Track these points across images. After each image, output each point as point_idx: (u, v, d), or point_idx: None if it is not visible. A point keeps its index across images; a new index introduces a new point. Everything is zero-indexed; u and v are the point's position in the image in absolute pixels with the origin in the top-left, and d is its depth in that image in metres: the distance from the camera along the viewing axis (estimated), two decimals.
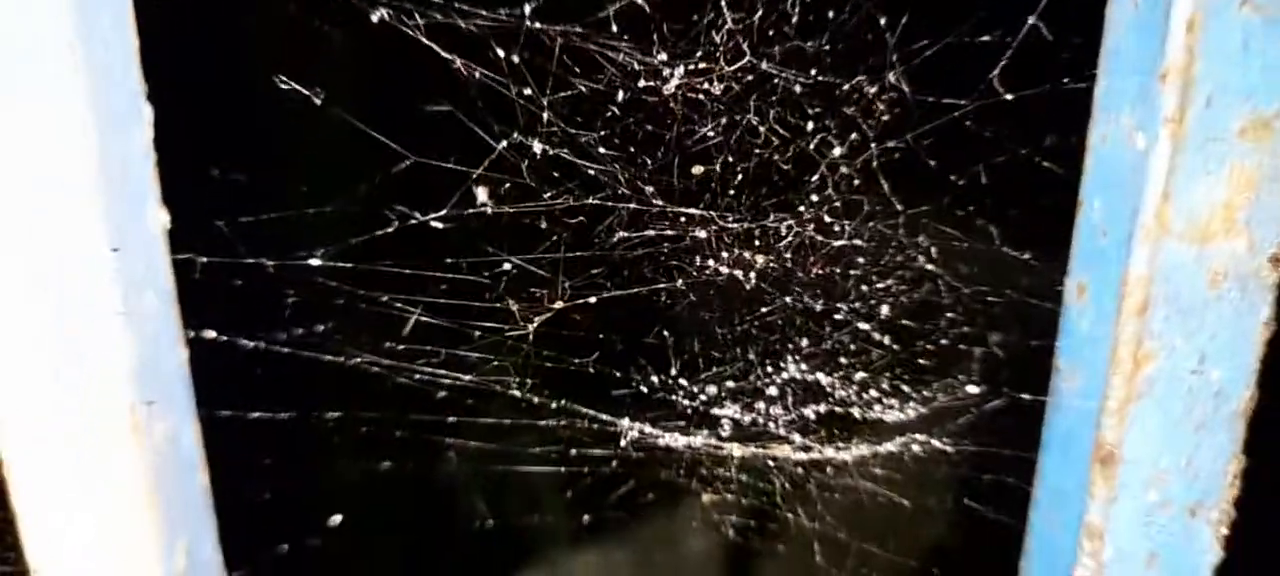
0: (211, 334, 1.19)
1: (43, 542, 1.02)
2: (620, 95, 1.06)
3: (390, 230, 1.14)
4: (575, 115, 1.08)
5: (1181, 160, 0.89)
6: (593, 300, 1.19)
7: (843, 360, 1.25)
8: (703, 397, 1.29)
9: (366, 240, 1.15)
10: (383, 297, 1.20)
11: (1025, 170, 1.09)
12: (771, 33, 1.03)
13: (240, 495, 1.19)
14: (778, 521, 1.43)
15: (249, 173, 1.15)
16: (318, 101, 1.06)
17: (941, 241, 1.16)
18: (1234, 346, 0.97)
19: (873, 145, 1.09)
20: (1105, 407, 1.00)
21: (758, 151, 1.10)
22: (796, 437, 1.31)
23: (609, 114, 1.07)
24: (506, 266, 1.18)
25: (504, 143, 1.08)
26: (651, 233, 1.14)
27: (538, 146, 1.09)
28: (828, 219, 1.14)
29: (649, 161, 1.10)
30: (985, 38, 1.02)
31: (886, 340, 1.23)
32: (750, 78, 1.06)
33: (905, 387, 1.27)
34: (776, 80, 1.06)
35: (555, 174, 1.11)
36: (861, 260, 1.17)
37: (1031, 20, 0.99)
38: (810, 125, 1.09)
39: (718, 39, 1.03)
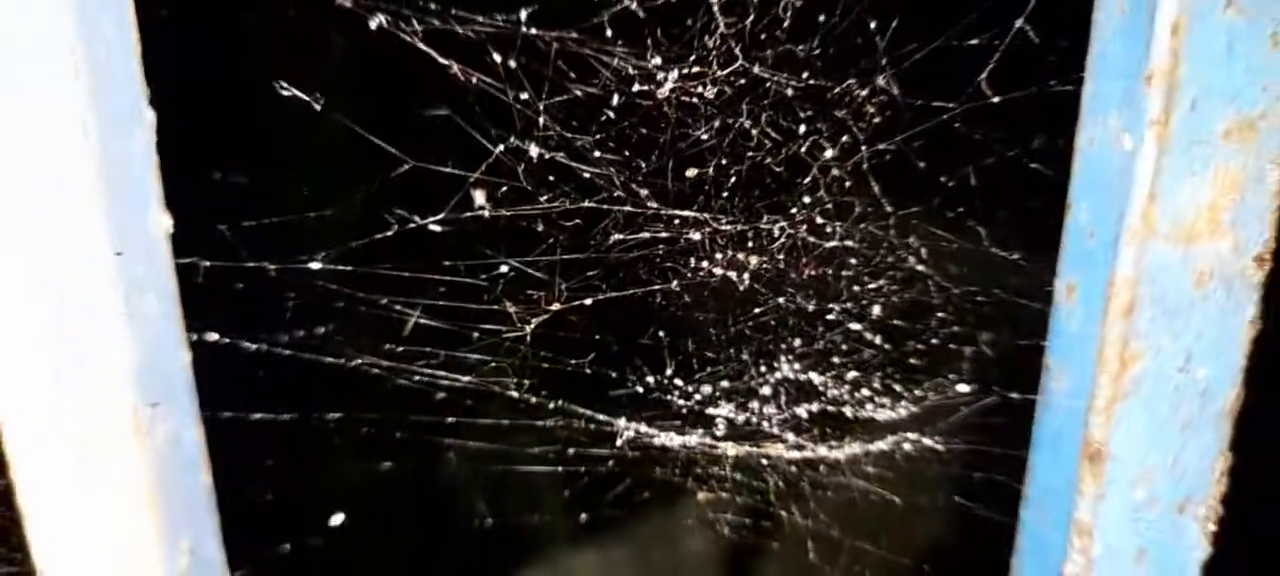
0: (214, 336, 1.19)
1: (48, 542, 1.02)
2: (615, 99, 1.07)
3: (389, 233, 1.14)
4: (571, 119, 1.08)
5: (1167, 162, 0.90)
6: (589, 302, 1.20)
7: (835, 360, 1.25)
8: (698, 397, 1.29)
9: (366, 243, 1.15)
10: (382, 300, 1.20)
11: (1013, 172, 1.10)
12: (763, 37, 1.04)
13: (242, 495, 1.19)
14: (772, 519, 1.43)
15: (250, 177, 1.15)
16: (318, 106, 1.06)
17: (931, 242, 1.16)
18: (1220, 345, 0.99)
19: (863, 148, 1.10)
20: (1093, 406, 1.01)
21: (750, 154, 1.10)
22: (790, 436, 1.31)
23: (604, 118, 1.08)
24: (504, 269, 1.18)
25: (501, 147, 1.09)
26: (646, 235, 1.15)
27: (534, 150, 1.09)
28: (820, 220, 1.15)
29: (644, 165, 1.11)
30: (973, 41, 1.02)
31: (878, 340, 1.23)
32: (743, 81, 1.06)
33: (897, 387, 1.27)
34: (768, 84, 1.06)
35: (551, 177, 1.11)
36: (853, 261, 1.18)
37: (1018, 24, 1.00)
38: (802, 128, 1.09)
39: (710, 44, 1.04)
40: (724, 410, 1.30)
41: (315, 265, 1.17)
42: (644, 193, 1.12)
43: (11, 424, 0.97)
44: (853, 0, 1.02)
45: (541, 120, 1.08)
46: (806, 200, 1.14)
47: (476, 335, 1.23)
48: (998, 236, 1.16)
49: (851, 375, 1.27)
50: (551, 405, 1.31)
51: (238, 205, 1.14)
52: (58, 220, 0.90)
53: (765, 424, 1.31)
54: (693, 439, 1.33)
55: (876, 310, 1.22)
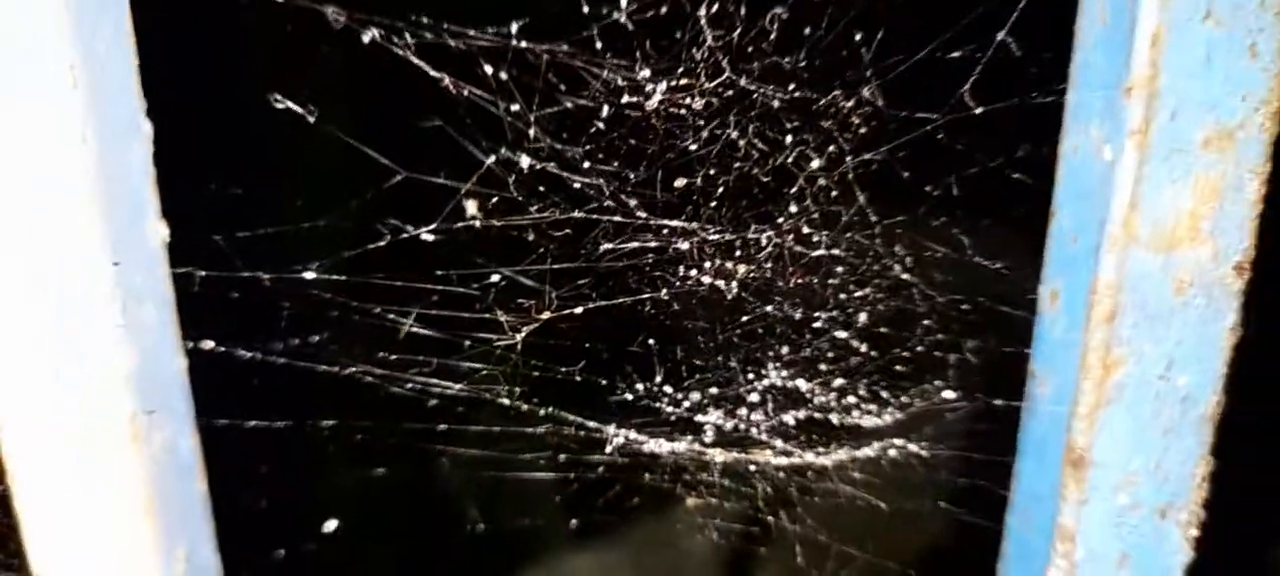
0: (210, 345, 1.20)
1: (46, 548, 1.02)
2: (605, 111, 1.07)
3: (382, 243, 1.15)
4: (561, 131, 1.08)
5: (1147, 171, 0.90)
6: (579, 310, 1.20)
7: (822, 367, 1.26)
8: (687, 404, 1.30)
9: (359, 253, 1.16)
10: (375, 309, 1.21)
11: (996, 182, 1.10)
12: (750, 50, 1.04)
13: (238, 501, 1.19)
14: (760, 524, 1.43)
15: (245, 188, 1.16)
16: (311, 119, 1.07)
17: (916, 251, 1.17)
18: (1200, 352, 0.99)
19: (849, 158, 1.10)
20: (1076, 412, 1.02)
21: (738, 165, 1.11)
22: (778, 443, 1.31)
23: (594, 129, 1.08)
24: (495, 278, 1.18)
25: (492, 158, 1.09)
26: (636, 244, 1.15)
27: (525, 161, 1.10)
28: (806, 230, 1.15)
29: (633, 175, 1.11)
30: (956, 53, 1.03)
31: (864, 347, 1.24)
32: (730, 93, 1.06)
33: (883, 393, 1.27)
34: (756, 95, 1.07)
35: (542, 188, 1.11)
36: (839, 270, 1.18)
37: (1000, 36, 1.01)
38: (789, 139, 1.10)
39: (698, 56, 1.04)
40: (712, 417, 1.31)
41: (309, 275, 1.18)
42: (633, 202, 1.13)
43: (10, 430, 0.98)
44: (838, 14, 1.02)
45: (532, 131, 1.08)
46: (793, 210, 1.14)
47: (468, 343, 1.23)
48: (981, 245, 1.16)
49: (838, 382, 1.27)
50: (542, 412, 1.32)
51: (233, 215, 1.15)
52: (56, 229, 0.91)
53: (753, 430, 1.31)
54: (682, 445, 1.33)
55: (863, 318, 1.22)
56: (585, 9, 1.02)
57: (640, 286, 1.19)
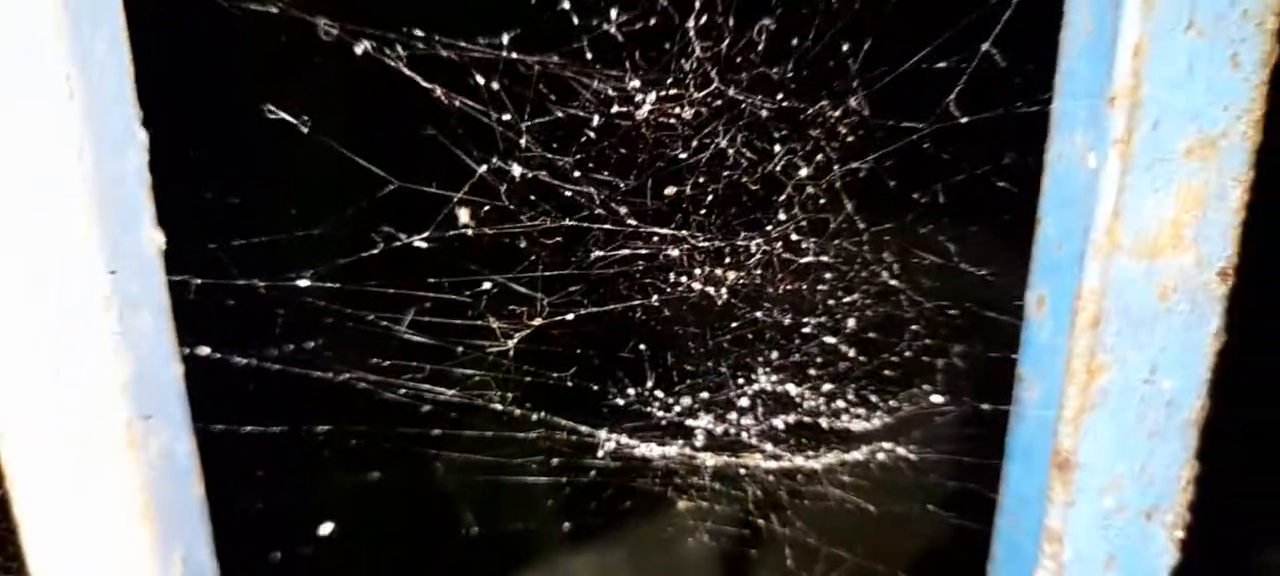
0: (205, 351, 1.20)
1: (44, 552, 1.02)
2: (595, 120, 1.08)
3: (376, 251, 1.15)
4: (552, 140, 1.09)
5: (1130, 179, 0.91)
6: (571, 317, 1.20)
7: (811, 372, 1.26)
8: (677, 409, 1.30)
9: (353, 261, 1.16)
10: (369, 316, 1.21)
11: (982, 189, 1.11)
12: (738, 60, 1.05)
13: (234, 505, 1.19)
14: (751, 527, 1.43)
15: (240, 197, 1.16)
16: (305, 129, 1.07)
17: (904, 258, 1.17)
18: (1185, 357, 0.99)
19: (837, 166, 1.11)
20: (1062, 416, 1.02)
21: (727, 173, 1.11)
22: (768, 447, 1.32)
23: (584, 138, 1.09)
24: (487, 285, 1.19)
25: (484, 167, 1.09)
26: (626, 252, 1.16)
27: (517, 170, 1.10)
28: (795, 237, 1.16)
29: (623, 183, 1.11)
30: (941, 64, 1.03)
31: (853, 352, 1.24)
32: (719, 103, 1.07)
33: (871, 398, 1.28)
34: (744, 105, 1.07)
35: (533, 196, 1.12)
36: (828, 276, 1.19)
37: (985, 47, 1.01)
38: (777, 148, 1.10)
39: (687, 67, 1.05)
40: (703, 421, 1.31)
41: (304, 282, 1.19)
42: (623, 210, 1.13)
43: (8, 435, 0.98)
44: (825, 25, 1.03)
45: (523, 141, 1.08)
46: (782, 217, 1.15)
47: (461, 349, 1.24)
48: (968, 252, 1.16)
49: (827, 387, 1.28)
50: (535, 417, 1.32)
51: (228, 224, 1.15)
52: (53, 238, 0.91)
53: (743, 434, 1.32)
54: (673, 449, 1.34)
55: (851, 323, 1.23)
56: (576, 20, 1.02)
57: (631, 293, 1.19)
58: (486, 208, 1.13)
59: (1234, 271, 0.96)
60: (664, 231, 1.15)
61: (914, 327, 1.23)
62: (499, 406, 1.31)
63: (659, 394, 1.30)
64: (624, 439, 1.34)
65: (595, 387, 1.30)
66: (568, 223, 1.14)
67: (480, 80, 1.05)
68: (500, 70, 1.04)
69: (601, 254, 1.16)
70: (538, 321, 1.21)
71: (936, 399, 1.28)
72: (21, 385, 0.96)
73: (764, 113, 1.08)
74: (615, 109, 1.08)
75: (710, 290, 1.20)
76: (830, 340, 1.24)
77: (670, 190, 1.13)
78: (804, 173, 1.12)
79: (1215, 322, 0.98)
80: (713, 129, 1.09)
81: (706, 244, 1.17)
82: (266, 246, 1.17)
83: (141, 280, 0.99)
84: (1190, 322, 0.98)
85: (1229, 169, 0.92)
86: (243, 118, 1.11)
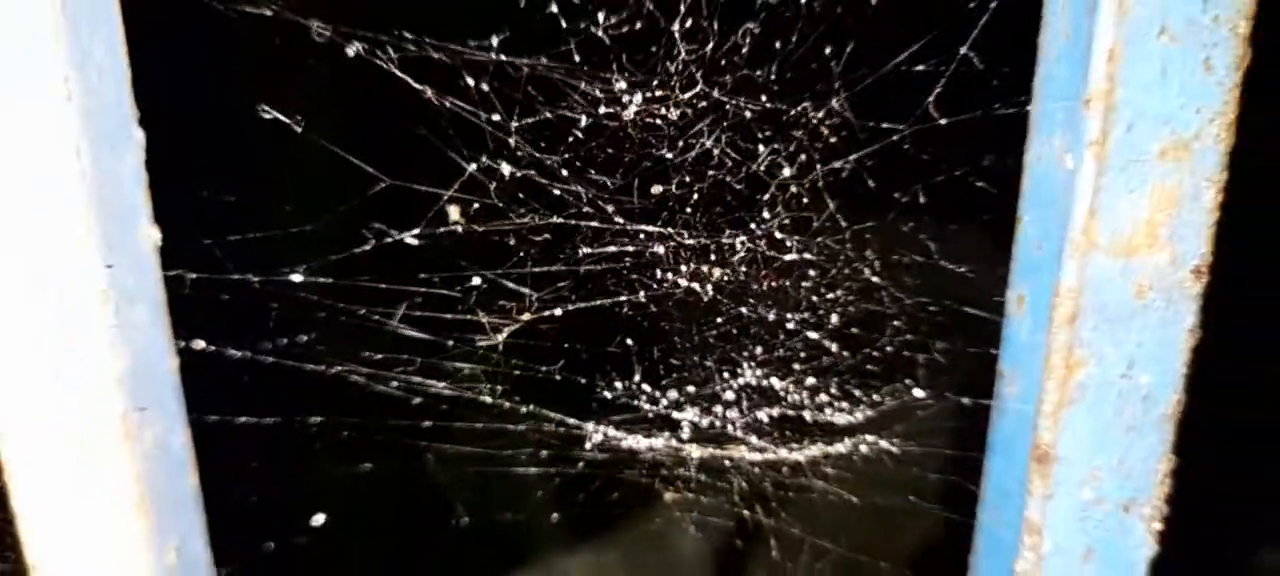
0: (201, 344, 1.21)
1: (41, 542, 1.03)
2: (583, 121, 1.09)
3: (367, 247, 1.16)
4: (540, 140, 1.10)
5: (1105, 180, 0.92)
6: (559, 312, 1.22)
7: (795, 366, 1.27)
8: (664, 402, 1.31)
9: (345, 256, 1.17)
10: (361, 310, 1.22)
11: (961, 189, 1.12)
12: (723, 63, 1.06)
13: (228, 496, 1.19)
14: (736, 518, 1.44)
15: (235, 194, 1.17)
16: (298, 128, 1.08)
17: (885, 255, 1.18)
18: (1161, 353, 1.00)
19: (819, 166, 1.12)
20: (1041, 410, 1.02)
21: (712, 173, 1.13)
22: (753, 439, 1.33)
23: (572, 138, 1.10)
24: (477, 281, 1.20)
25: (474, 165, 1.11)
26: (613, 249, 1.17)
27: (506, 169, 1.11)
28: (779, 235, 1.17)
29: (610, 182, 1.13)
30: (920, 67, 1.04)
31: (836, 347, 1.26)
32: (704, 104, 1.08)
33: (855, 392, 1.29)
34: (728, 107, 1.09)
35: (522, 194, 1.13)
36: (811, 273, 1.20)
37: (963, 51, 1.02)
38: (761, 148, 1.12)
39: (673, 69, 1.06)
40: (689, 414, 1.32)
41: (297, 277, 1.19)
42: (611, 209, 1.14)
43: (6, 428, 0.98)
44: (808, 29, 1.04)
45: (512, 140, 1.09)
46: (766, 216, 1.16)
47: (451, 344, 1.25)
48: (948, 250, 1.18)
49: (811, 381, 1.29)
50: (524, 410, 1.33)
51: (223, 220, 1.16)
52: (52, 235, 0.91)
53: (729, 427, 1.33)
54: (659, 442, 1.35)
55: (834, 319, 1.24)
56: (564, 24, 1.03)
57: (618, 289, 1.20)
58: (476, 205, 1.14)
59: (1208, 270, 0.97)
60: (650, 229, 1.16)
61: (896, 323, 1.24)
62: (489, 399, 1.31)
63: (646, 387, 1.31)
64: (612, 431, 1.35)
65: (583, 381, 1.31)
66: (556, 220, 1.15)
67: (470, 81, 1.06)
68: (490, 72, 1.05)
69: (589, 251, 1.17)
70: (527, 316, 1.22)
71: (918, 393, 1.29)
72: (19, 377, 0.97)
73: (748, 114, 1.10)
74: (603, 110, 1.09)
75: (696, 286, 1.21)
76: (814, 335, 1.25)
77: (657, 189, 1.14)
78: (787, 172, 1.14)
79: (1190, 320, 0.99)
80: (698, 129, 1.10)
81: (692, 242, 1.18)
82: (260, 242, 1.17)
83: (138, 275, 1.00)
84: (1166, 320, 0.99)
85: (1202, 170, 0.93)
86: (237, 118, 1.11)
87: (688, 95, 1.08)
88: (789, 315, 1.24)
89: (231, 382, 1.26)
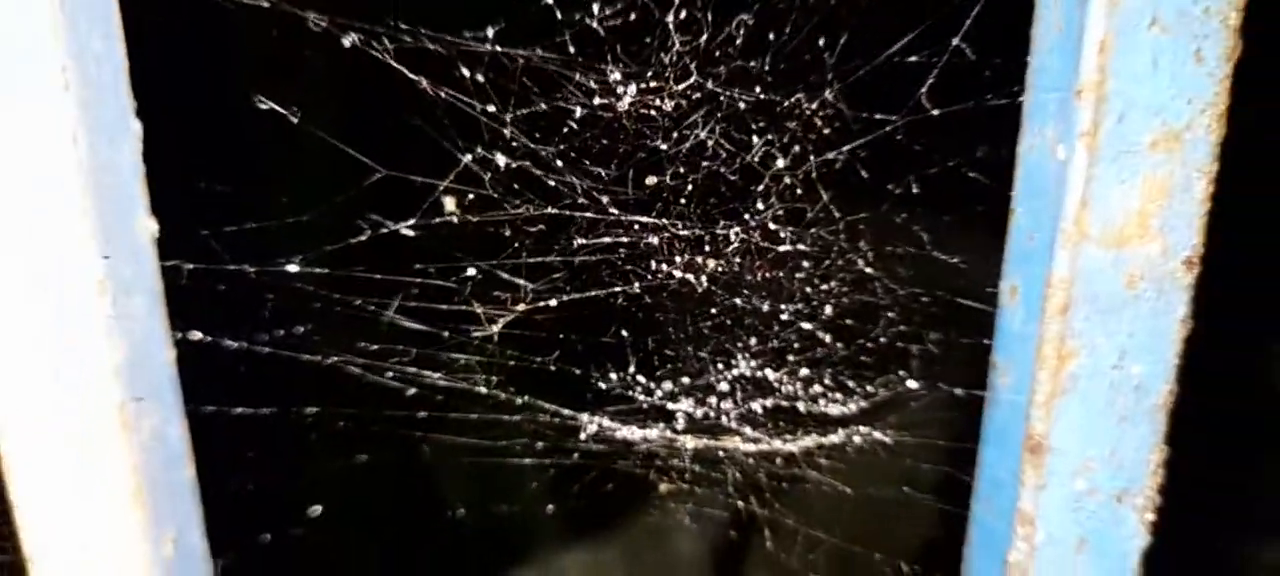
0: (197, 335, 1.21)
1: (38, 532, 1.03)
2: (578, 112, 1.09)
3: (363, 238, 1.16)
4: (535, 131, 1.10)
5: (1097, 171, 0.92)
6: (554, 303, 1.22)
7: (789, 357, 1.28)
8: (659, 393, 1.32)
9: (341, 247, 1.17)
10: (356, 301, 1.22)
11: (954, 180, 1.12)
12: (717, 54, 1.06)
13: (225, 486, 1.19)
14: (730, 509, 1.45)
15: (231, 185, 1.17)
16: (294, 119, 1.08)
17: (879, 246, 1.19)
18: (1152, 344, 1.00)
19: (813, 157, 1.12)
20: (1033, 400, 1.03)
21: (706, 163, 1.13)
22: (747, 430, 1.33)
23: (567, 129, 1.10)
24: (473, 272, 1.20)
25: (469, 156, 1.11)
26: (608, 239, 1.17)
27: (501, 160, 1.12)
28: (773, 226, 1.17)
29: (605, 173, 1.13)
30: (913, 58, 1.05)
31: (829, 338, 1.26)
32: (698, 95, 1.08)
33: (848, 383, 1.29)
34: (722, 98, 1.09)
35: (517, 185, 1.13)
36: (805, 264, 1.20)
37: (955, 42, 1.03)
38: (755, 139, 1.12)
39: (667, 60, 1.06)
40: (684, 405, 1.33)
41: (293, 268, 1.20)
42: (605, 199, 1.15)
43: (3, 419, 0.99)
44: (801, 20, 1.04)
45: (507, 131, 1.10)
46: (760, 207, 1.17)
47: (447, 334, 1.25)
48: (941, 241, 1.18)
49: (805, 372, 1.29)
50: (519, 401, 1.33)
51: (219, 211, 1.16)
52: (49, 225, 0.92)
53: (723, 418, 1.33)
54: (654, 432, 1.35)
55: (828, 310, 1.24)
56: (558, 15, 1.04)
57: (613, 280, 1.21)
58: (471, 196, 1.14)
59: (1200, 260, 0.97)
60: (645, 220, 1.17)
61: (889, 314, 1.24)
62: (484, 390, 1.32)
63: (641, 378, 1.31)
64: (606, 422, 1.35)
65: (578, 372, 1.31)
66: (551, 211, 1.15)
67: (466, 72, 1.06)
68: (485, 63, 1.06)
69: (584, 242, 1.18)
70: (522, 307, 1.22)
71: (912, 384, 1.29)
72: (17, 368, 0.97)
73: (742, 105, 1.10)
74: (597, 101, 1.09)
75: (690, 277, 1.21)
76: (808, 326, 1.26)
77: (651, 180, 1.15)
78: (781, 163, 1.14)
79: (1182, 310, 0.99)
80: (692, 121, 1.11)
81: (686, 232, 1.18)
82: (256, 233, 1.18)
83: (135, 266, 1.00)
84: (1157, 310, 0.99)
85: (1193, 161, 0.93)
86: (234, 108, 1.12)
87: (682, 86, 1.08)
88: (783, 306, 1.24)
89: (228, 373, 1.26)
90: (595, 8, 1.03)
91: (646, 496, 1.46)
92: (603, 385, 1.32)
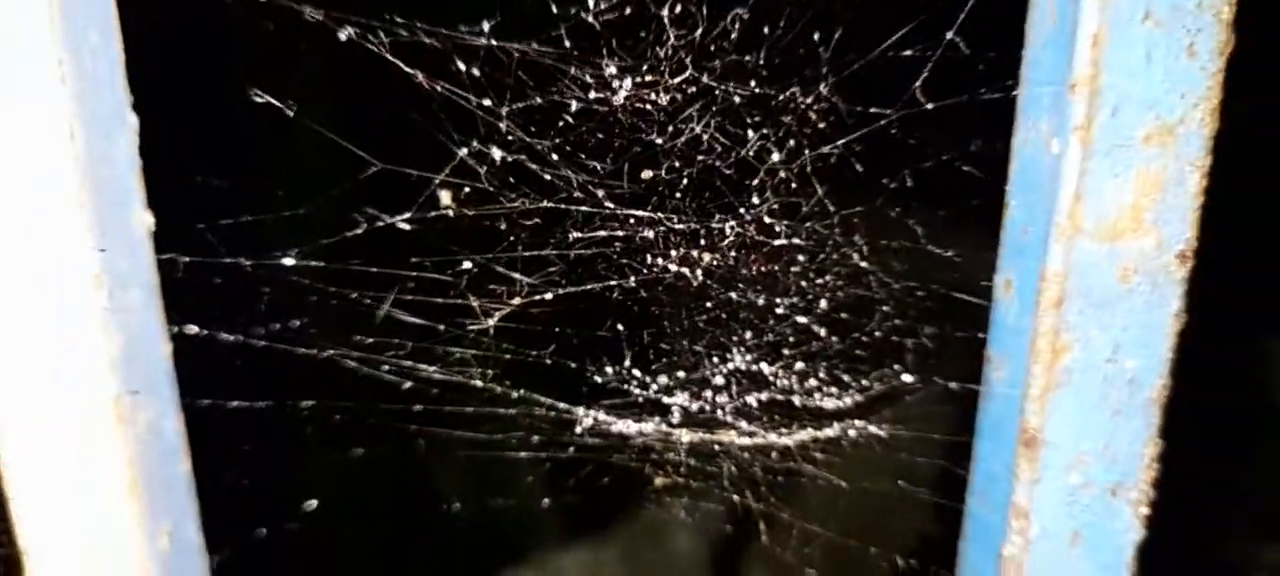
0: (193, 328, 1.21)
1: (34, 525, 1.03)
2: (573, 106, 1.09)
3: (359, 231, 1.17)
4: (531, 125, 1.10)
5: (1090, 165, 0.92)
6: (549, 296, 1.22)
7: (784, 351, 1.28)
8: (654, 387, 1.32)
9: (337, 241, 1.18)
10: (352, 294, 1.22)
11: (948, 174, 1.12)
12: (712, 48, 1.07)
13: (221, 481, 1.19)
14: (725, 503, 1.45)
15: (227, 178, 1.17)
16: (290, 112, 1.09)
17: (874, 240, 1.19)
18: (1146, 337, 1.00)
19: (808, 151, 1.13)
20: (1028, 394, 1.03)
21: (701, 157, 1.13)
22: (742, 424, 1.34)
23: (563, 123, 1.10)
24: (468, 265, 1.20)
25: (465, 150, 1.11)
26: (604, 233, 1.17)
27: (497, 153, 1.12)
28: (768, 220, 1.17)
29: (600, 167, 1.13)
30: (908, 52, 1.05)
31: (824, 332, 1.26)
32: (693, 89, 1.09)
33: (843, 376, 1.29)
34: (717, 92, 1.09)
35: (513, 179, 1.13)
36: (800, 258, 1.21)
37: (949, 36, 1.03)
38: (750, 133, 1.12)
39: (663, 54, 1.06)
40: (679, 399, 1.33)
41: (289, 261, 1.20)
42: (601, 193, 1.15)
43: None
44: (796, 14, 1.04)
45: (503, 125, 1.10)
46: (755, 201, 1.17)
47: (443, 328, 1.26)
48: (935, 235, 1.18)
49: (800, 365, 1.29)
50: (515, 394, 1.34)
51: (216, 204, 1.16)
52: (45, 218, 0.92)
53: (718, 412, 1.33)
54: (649, 426, 1.35)
55: (823, 304, 1.24)
56: (554, 9, 1.04)
57: (609, 274, 1.21)
58: (467, 190, 1.14)
59: (1193, 254, 0.97)
60: (640, 214, 1.17)
61: (884, 308, 1.25)
62: (480, 384, 1.32)
63: (636, 372, 1.32)
64: (602, 416, 1.35)
65: (574, 365, 1.31)
66: (546, 205, 1.16)
67: (461, 66, 1.06)
68: (481, 56, 1.06)
69: (579, 236, 1.18)
70: (517, 301, 1.23)
71: (907, 378, 1.30)
72: (12, 361, 0.97)
73: (737, 99, 1.10)
74: (593, 95, 1.09)
75: (686, 271, 1.21)
76: (803, 320, 1.26)
77: (646, 174, 1.15)
78: (776, 158, 1.14)
79: (1175, 304, 0.99)
80: (688, 115, 1.11)
81: (682, 226, 1.18)
82: (252, 226, 1.18)
83: (131, 259, 1.00)
84: (1151, 304, 0.99)
85: (1187, 155, 0.93)
86: (230, 102, 1.12)
87: (677, 80, 1.09)
88: (778, 300, 1.24)
89: (224, 367, 1.27)
90: (590, 2, 1.04)
91: (642, 490, 1.46)
92: (598, 379, 1.32)
